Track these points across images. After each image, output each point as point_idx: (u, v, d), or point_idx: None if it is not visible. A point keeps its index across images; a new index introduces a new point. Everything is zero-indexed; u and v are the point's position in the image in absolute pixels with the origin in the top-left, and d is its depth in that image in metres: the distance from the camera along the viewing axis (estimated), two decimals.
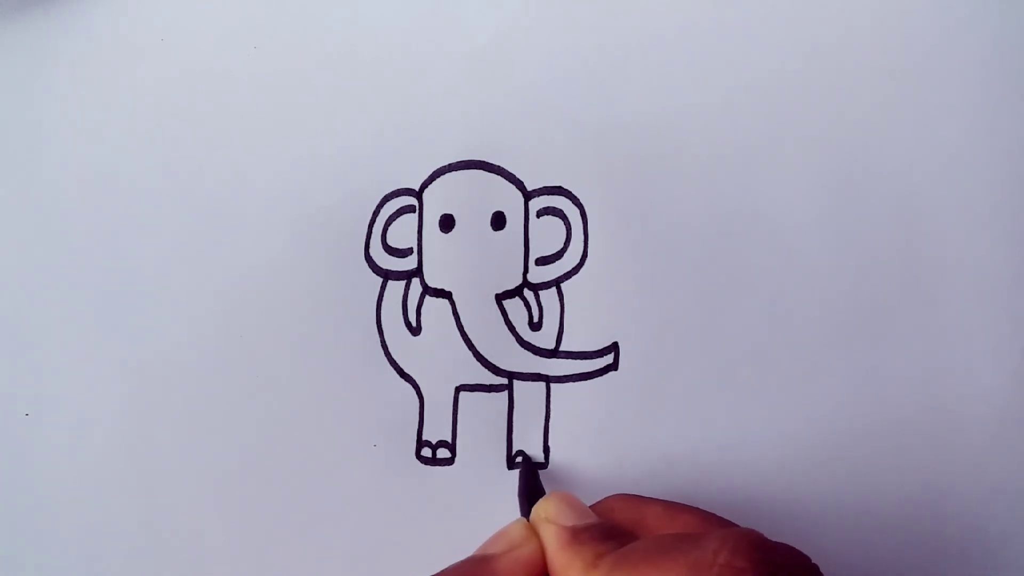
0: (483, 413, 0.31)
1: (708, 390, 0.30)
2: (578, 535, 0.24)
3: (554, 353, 0.31)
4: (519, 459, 0.31)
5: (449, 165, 0.32)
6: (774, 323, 0.30)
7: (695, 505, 0.27)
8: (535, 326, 0.31)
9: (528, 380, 0.31)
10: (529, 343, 0.31)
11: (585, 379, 0.31)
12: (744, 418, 0.30)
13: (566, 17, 0.32)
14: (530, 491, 0.28)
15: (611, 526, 0.25)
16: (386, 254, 0.32)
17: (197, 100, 0.33)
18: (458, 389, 0.31)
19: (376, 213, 0.32)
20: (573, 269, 0.31)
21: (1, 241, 0.34)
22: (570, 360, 0.31)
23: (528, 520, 0.26)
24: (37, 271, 0.33)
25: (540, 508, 0.25)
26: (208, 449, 0.32)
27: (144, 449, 0.32)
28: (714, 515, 0.26)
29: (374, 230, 0.32)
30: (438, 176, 0.32)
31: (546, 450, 0.31)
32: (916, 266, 0.30)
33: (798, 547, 0.27)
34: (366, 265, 0.32)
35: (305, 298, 0.32)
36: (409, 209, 0.32)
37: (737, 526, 0.25)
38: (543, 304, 0.31)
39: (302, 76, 0.33)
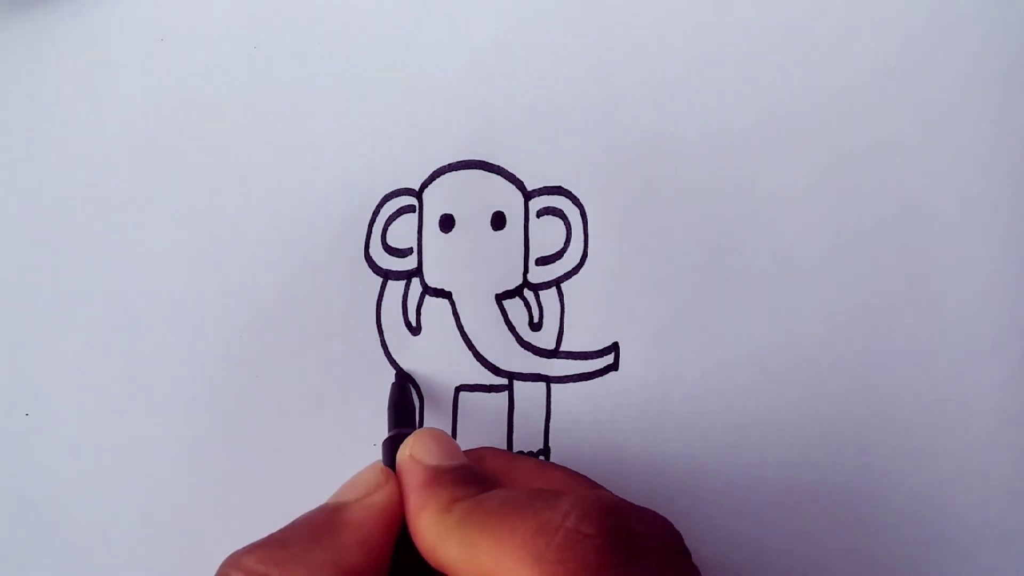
0: (483, 413, 0.31)
1: (708, 390, 0.30)
2: (439, 476, 0.23)
3: (554, 353, 0.31)
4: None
5: (449, 165, 0.32)
6: (774, 322, 0.30)
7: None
8: (535, 326, 0.31)
9: (528, 380, 0.31)
10: (529, 343, 0.31)
11: (585, 379, 0.31)
12: (744, 418, 0.30)
13: (566, 17, 0.32)
14: (398, 407, 0.28)
15: (475, 471, 0.24)
16: (386, 254, 0.32)
17: (197, 100, 0.33)
18: (458, 389, 0.31)
19: (376, 213, 0.32)
20: (573, 269, 0.31)
21: (1, 241, 0.34)
22: (570, 360, 0.31)
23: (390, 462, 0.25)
24: (37, 271, 0.33)
25: (407, 444, 0.24)
26: (208, 449, 0.32)
27: (144, 449, 0.32)
28: (585, 477, 0.25)
29: (374, 230, 0.32)
30: (438, 176, 0.32)
31: (546, 450, 0.31)
32: (916, 266, 0.30)
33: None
34: (366, 265, 0.32)
35: (305, 298, 0.32)
36: (409, 209, 0.32)
37: (603, 489, 0.25)
38: (543, 304, 0.31)
39: (302, 76, 0.33)
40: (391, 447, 0.26)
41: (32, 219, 0.33)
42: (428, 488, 0.23)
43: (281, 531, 0.23)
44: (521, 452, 0.31)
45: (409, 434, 0.25)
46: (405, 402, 0.29)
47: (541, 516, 0.20)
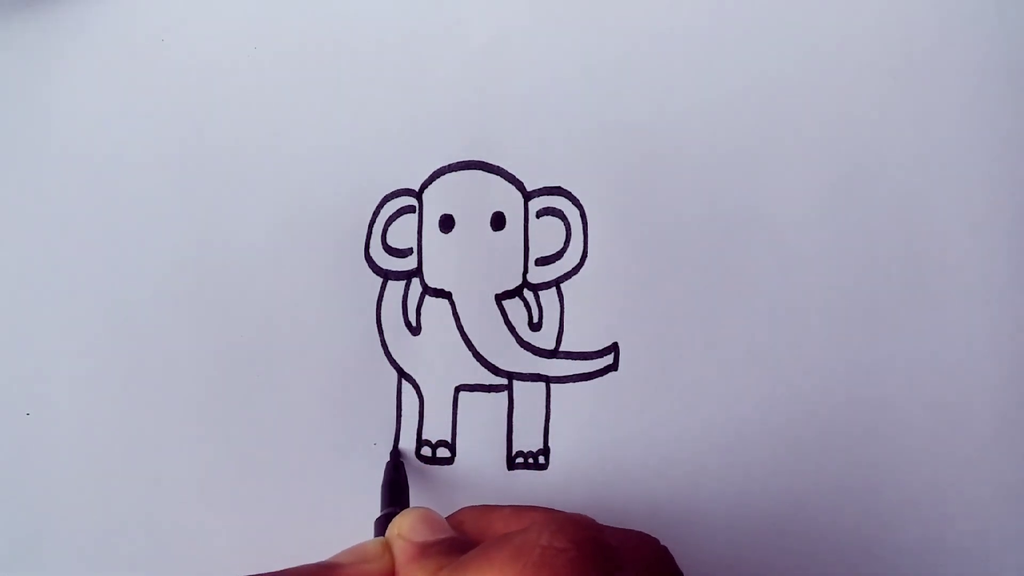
0: (483, 413, 0.31)
1: (708, 390, 0.30)
2: (425, 550, 0.24)
3: (554, 353, 0.31)
4: (518, 460, 0.31)
5: (449, 165, 0.32)
6: (774, 322, 0.30)
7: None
8: (535, 326, 0.31)
9: (528, 380, 0.31)
10: (529, 343, 0.31)
11: (585, 379, 0.31)
12: (744, 418, 0.30)
13: (566, 17, 0.32)
14: (392, 486, 0.29)
15: (459, 541, 0.25)
16: (386, 254, 0.32)
17: (197, 100, 0.33)
18: (458, 389, 0.31)
19: (376, 213, 0.32)
20: (573, 269, 0.31)
21: (1, 240, 0.34)
22: (570, 360, 0.31)
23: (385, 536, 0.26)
24: (38, 271, 0.33)
25: (395, 524, 0.25)
26: (208, 449, 0.32)
27: (144, 449, 0.32)
28: (563, 512, 0.26)
29: (374, 230, 0.32)
30: (438, 176, 0.32)
31: (546, 450, 0.31)
32: (916, 266, 0.30)
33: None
34: (366, 265, 0.32)
35: (305, 298, 0.32)
36: (409, 209, 0.32)
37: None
38: (543, 304, 0.31)
39: (302, 76, 0.33)
40: (383, 525, 0.27)
41: (33, 219, 0.33)
42: (416, 562, 0.24)
43: (273, 574, 0.23)
44: (520, 452, 0.31)
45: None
46: (399, 481, 0.30)
47: (516, 541, 0.21)
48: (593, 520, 0.22)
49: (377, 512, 0.29)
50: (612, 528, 0.22)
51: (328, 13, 0.33)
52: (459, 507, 0.30)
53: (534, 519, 0.25)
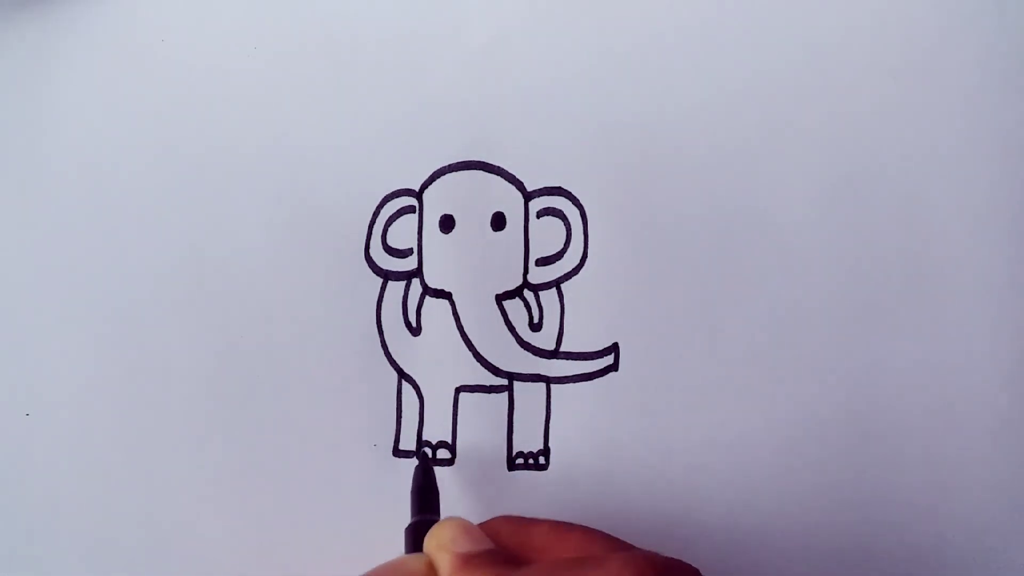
0: (483, 413, 0.31)
1: (708, 390, 0.30)
2: (470, 561, 0.24)
3: (554, 354, 0.31)
4: (518, 460, 0.31)
5: (449, 165, 0.32)
6: (774, 323, 0.30)
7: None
8: (535, 327, 0.31)
9: (528, 381, 0.31)
10: (529, 344, 0.31)
11: (585, 379, 0.31)
12: (744, 418, 0.30)
13: (566, 17, 0.32)
14: (423, 491, 0.29)
15: (499, 552, 0.25)
16: (386, 254, 0.32)
17: (197, 100, 0.33)
18: (458, 390, 0.31)
19: (376, 213, 0.32)
20: (573, 270, 0.31)
21: (1, 240, 0.34)
22: (570, 361, 0.31)
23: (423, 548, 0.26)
24: (37, 271, 0.33)
25: (434, 536, 0.25)
26: (208, 449, 0.32)
27: (144, 449, 0.32)
28: (602, 533, 0.26)
29: (374, 230, 0.32)
30: (438, 176, 0.32)
31: (546, 450, 0.31)
32: (916, 266, 0.30)
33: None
34: (366, 265, 0.32)
35: (305, 298, 0.32)
36: (409, 209, 0.32)
37: (631, 546, 0.25)
38: (543, 305, 0.31)
39: (302, 76, 0.33)
40: (415, 532, 0.27)
41: (33, 219, 0.33)
42: (461, 572, 0.24)
43: None
44: (520, 452, 0.31)
45: (432, 520, 0.26)
46: (429, 486, 0.29)
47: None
48: (663, 558, 0.22)
49: (374, 511, 0.29)
50: (673, 561, 0.22)
51: (328, 13, 0.33)
52: (460, 508, 0.30)
53: (579, 541, 0.25)
